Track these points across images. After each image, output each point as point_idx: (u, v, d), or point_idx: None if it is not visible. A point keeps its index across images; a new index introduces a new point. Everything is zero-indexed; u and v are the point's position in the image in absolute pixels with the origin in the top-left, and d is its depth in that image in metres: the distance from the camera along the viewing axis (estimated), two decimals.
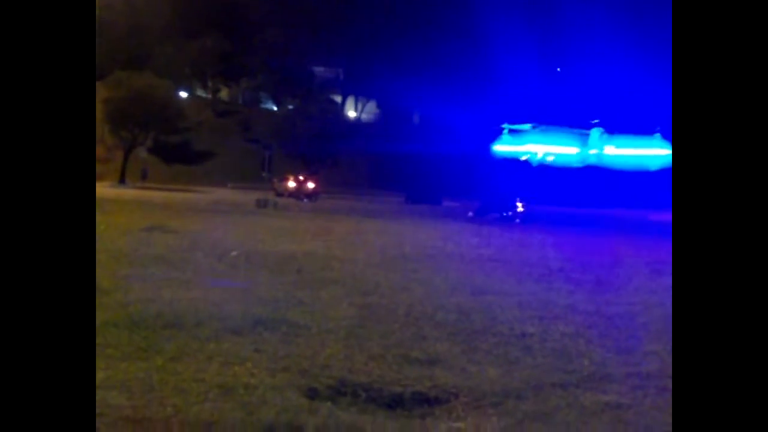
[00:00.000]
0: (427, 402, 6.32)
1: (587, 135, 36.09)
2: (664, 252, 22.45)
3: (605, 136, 29.05)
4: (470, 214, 36.79)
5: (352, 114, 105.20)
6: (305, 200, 55.05)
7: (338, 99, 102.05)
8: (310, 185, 61.39)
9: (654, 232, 29.44)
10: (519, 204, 35.45)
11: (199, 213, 32.13)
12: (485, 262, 17.07)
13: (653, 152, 24.02)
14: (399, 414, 6.03)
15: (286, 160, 78.08)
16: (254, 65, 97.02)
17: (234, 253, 15.87)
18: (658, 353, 8.42)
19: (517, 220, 34.14)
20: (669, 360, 8.17)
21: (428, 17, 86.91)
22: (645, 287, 13.69)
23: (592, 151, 41.31)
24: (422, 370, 7.20)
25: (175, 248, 16.43)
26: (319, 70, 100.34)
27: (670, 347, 8.78)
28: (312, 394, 6.30)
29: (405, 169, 70.24)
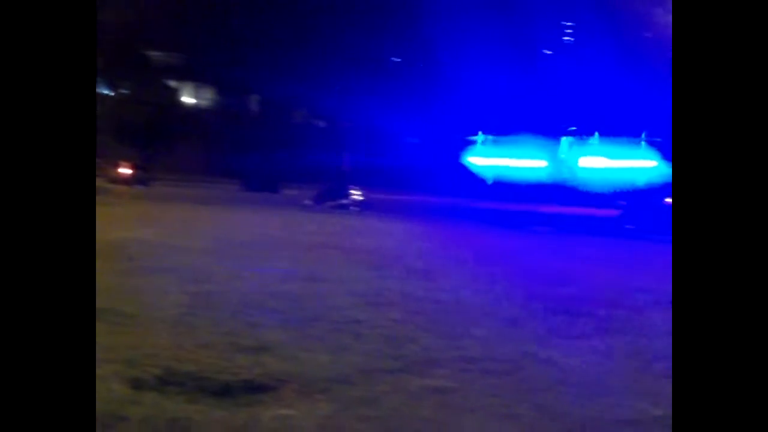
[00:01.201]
0: (256, 390, 6.31)
1: (557, 144, 27.61)
2: (494, 239, 23.23)
3: (579, 144, 24.29)
4: (307, 201, 36.78)
5: (189, 100, 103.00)
6: (138, 186, 53.55)
7: (176, 84, 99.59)
8: (143, 172, 59.77)
9: (486, 221, 30.36)
10: (357, 192, 35.71)
11: None
12: (320, 249, 17.15)
13: (638, 164, 18.88)
14: (227, 402, 5.98)
15: (120, 146, 75.74)
16: None
17: None
18: (482, 337, 8.73)
19: (356, 208, 34.41)
20: (492, 343, 8.50)
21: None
22: (474, 274, 14.11)
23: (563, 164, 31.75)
24: (252, 357, 7.18)
25: None
26: (156, 54, 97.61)
27: (494, 332, 9.13)
28: (137, 384, 6.16)
29: (241, 156, 69.30)
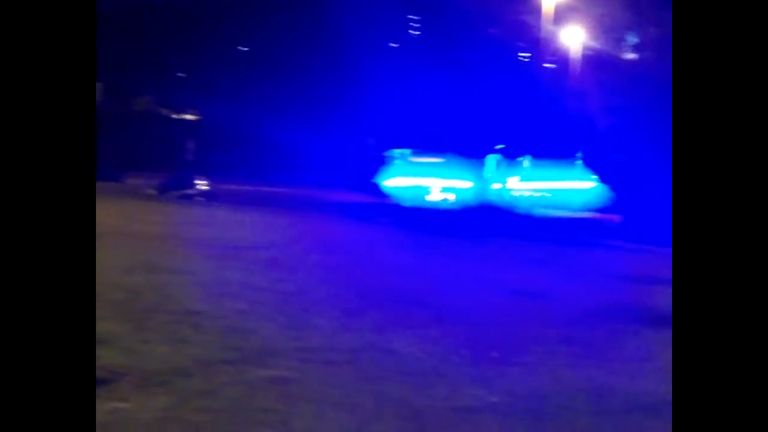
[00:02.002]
0: None
1: (482, 163, 24.48)
2: (344, 231, 23.34)
3: (507, 164, 21.72)
4: (150, 191, 35.84)
5: None
6: None
7: None
8: None
9: (340, 213, 30.45)
10: (202, 182, 35.08)
11: None
12: (162, 240, 16.76)
13: (574, 185, 17.00)
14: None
15: None
16: None
17: None
18: (324, 327, 8.76)
19: (201, 198, 33.80)
20: (333, 333, 8.54)
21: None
22: (319, 265, 14.14)
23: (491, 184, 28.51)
24: None
25: None
26: None
27: (335, 322, 9.18)
28: None
29: None
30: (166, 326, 8.22)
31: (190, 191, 34.23)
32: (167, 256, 13.77)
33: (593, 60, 55.26)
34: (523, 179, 12.14)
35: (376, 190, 11.79)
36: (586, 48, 55.30)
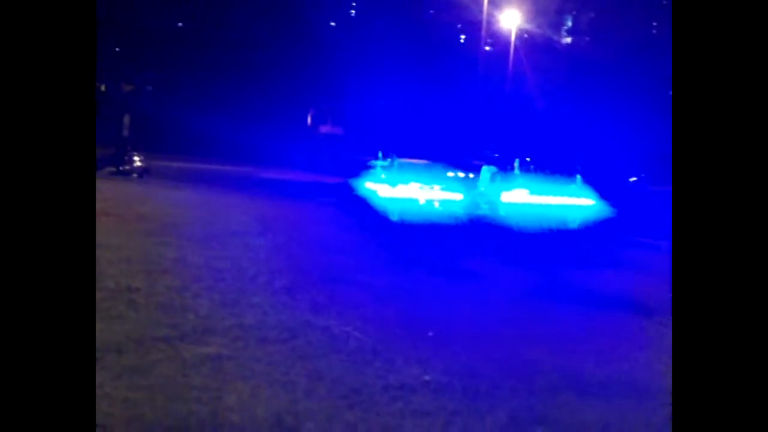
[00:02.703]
0: None
1: (476, 175, 21.65)
2: (284, 210, 23.20)
3: (500, 177, 17.45)
4: None
5: None
6: None
7: None
8: None
9: (281, 191, 30.26)
10: (138, 158, 34.54)
11: None
12: (96, 216, 16.48)
13: (573, 201, 15.28)
14: None
15: None
16: None
17: None
18: (259, 305, 8.72)
19: (137, 175, 33.30)
20: (269, 312, 8.52)
21: None
22: (257, 243, 14.05)
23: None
24: None
25: None
26: None
27: (270, 300, 9.15)
28: None
29: None
30: (99, 303, 8.09)
31: (125, 167, 33.71)
32: (100, 233, 13.54)
33: (531, 43, 55.43)
34: (518, 191, 11.69)
35: (351, 191, 11.39)
36: (523, 31, 55.44)
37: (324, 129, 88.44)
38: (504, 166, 13.51)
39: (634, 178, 35.36)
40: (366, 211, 23.59)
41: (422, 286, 11.24)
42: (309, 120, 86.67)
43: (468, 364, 7.14)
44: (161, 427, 4.70)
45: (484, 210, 12.26)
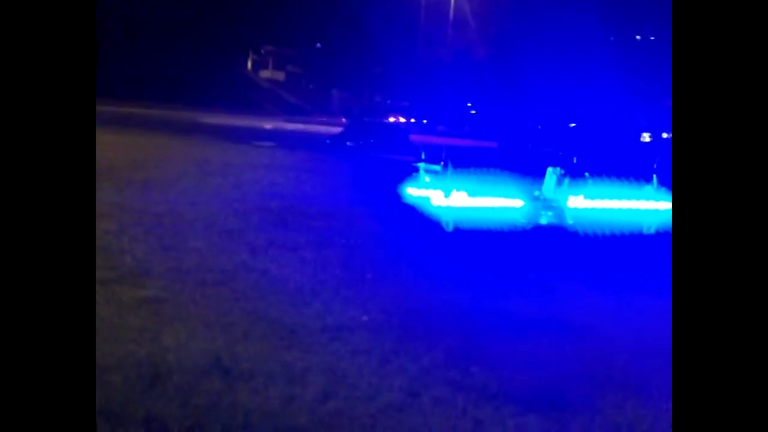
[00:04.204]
0: None
1: (538, 180, 14.44)
2: (220, 154, 23.00)
3: (568, 181, 13.21)
4: None
5: None
6: None
7: None
8: None
9: (219, 135, 29.95)
10: None
11: None
12: None
13: (647, 206, 12.48)
14: None
15: None
16: None
17: None
18: (198, 249, 8.70)
19: None
20: (208, 254, 8.50)
21: None
22: (195, 186, 13.96)
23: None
24: None
25: None
26: None
27: (209, 243, 9.12)
28: None
29: None
30: None
31: None
32: None
33: None
34: (587, 197, 10.83)
35: (399, 199, 10.78)
36: None
37: (264, 74, 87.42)
38: (571, 167, 12.52)
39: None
40: (303, 149, 23.49)
41: (360, 229, 11.28)
42: (249, 65, 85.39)
43: (406, 304, 7.23)
44: (99, 369, 4.69)
45: (548, 218, 11.44)
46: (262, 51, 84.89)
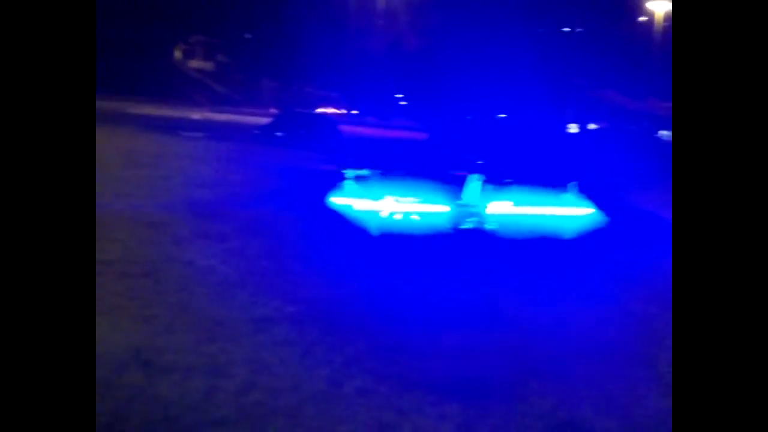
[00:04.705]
0: None
1: (460, 185, 13.62)
2: (145, 143, 22.65)
3: (488, 186, 11.79)
4: None
5: None
6: None
7: None
8: None
9: (134, 122, 29.51)
10: None
11: None
12: None
13: (568, 211, 12.36)
14: None
15: None
16: None
17: None
18: (122, 241, 8.57)
19: None
20: (132, 246, 8.37)
21: None
22: (117, 177, 13.73)
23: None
24: None
25: None
26: None
27: (134, 235, 8.99)
28: None
29: None
30: None
31: None
32: None
33: None
34: (506, 202, 11.01)
35: (324, 206, 10.73)
36: None
37: (193, 64, 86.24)
38: (491, 175, 12.77)
39: None
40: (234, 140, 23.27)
41: (288, 220, 11.24)
42: (178, 54, 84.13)
43: (333, 295, 7.24)
44: None
45: (471, 223, 11.69)
46: (191, 41, 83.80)
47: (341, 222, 11.15)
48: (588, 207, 11.96)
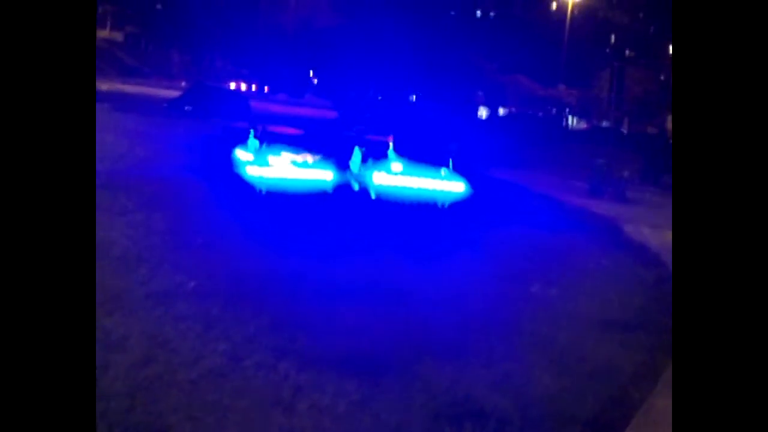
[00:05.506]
0: None
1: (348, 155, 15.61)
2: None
3: (372, 158, 15.78)
4: None
5: None
6: None
7: None
8: None
9: None
10: None
11: None
12: None
13: (444, 186, 14.85)
14: None
15: None
16: None
17: None
18: None
19: None
20: None
21: None
22: None
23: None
24: None
25: None
26: None
27: None
28: None
29: None
30: None
31: None
32: None
33: None
34: (389, 174, 11.57)
35: (228, 167, 10.84)
36: None
37: (102, 34, 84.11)
38: (375, 147, 13.53)
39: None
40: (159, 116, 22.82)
41: (193, 192, 11.11)
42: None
43: (235, 269, 7.19)
44: None
45: (355, 190, 12.35)
46: (100, 10, 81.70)
47: (241, 189, 11.05)
48: (461, 182, 12.77)
